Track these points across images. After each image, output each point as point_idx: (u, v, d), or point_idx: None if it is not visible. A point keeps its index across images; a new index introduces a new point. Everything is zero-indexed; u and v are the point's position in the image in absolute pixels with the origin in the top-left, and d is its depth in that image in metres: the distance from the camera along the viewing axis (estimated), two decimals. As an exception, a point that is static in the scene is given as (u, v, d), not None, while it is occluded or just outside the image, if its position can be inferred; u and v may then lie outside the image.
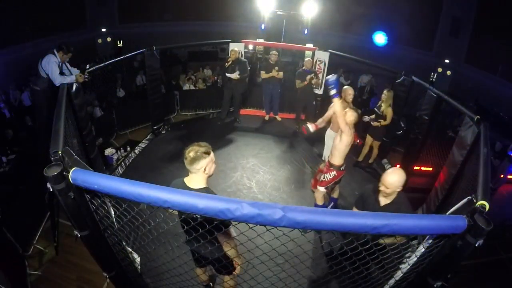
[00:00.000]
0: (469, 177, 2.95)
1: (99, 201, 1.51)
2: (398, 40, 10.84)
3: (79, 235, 1.54)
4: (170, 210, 1.83)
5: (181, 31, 11.57)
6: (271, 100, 6.46)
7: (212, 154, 1.96)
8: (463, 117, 3.62)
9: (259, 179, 4.71)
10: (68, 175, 1.25)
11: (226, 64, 5.83)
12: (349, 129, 3.18)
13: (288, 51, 8.81)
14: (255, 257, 1.60)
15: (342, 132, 3.19)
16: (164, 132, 6.09)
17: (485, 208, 1.40)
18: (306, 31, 7.73)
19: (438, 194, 3.86)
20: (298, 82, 5.84)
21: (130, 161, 5.17)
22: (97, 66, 4.67)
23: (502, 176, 5.98)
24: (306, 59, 6.07)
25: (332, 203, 3.96)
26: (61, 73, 3.88)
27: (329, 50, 6.23)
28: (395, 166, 5.41)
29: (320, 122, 4.01)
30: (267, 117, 6.72)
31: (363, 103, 8.26)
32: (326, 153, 4.38)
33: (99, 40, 11.34)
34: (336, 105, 3.12)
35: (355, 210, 2.65)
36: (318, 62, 6.32)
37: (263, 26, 8.05)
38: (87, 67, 4.33)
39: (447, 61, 10.68)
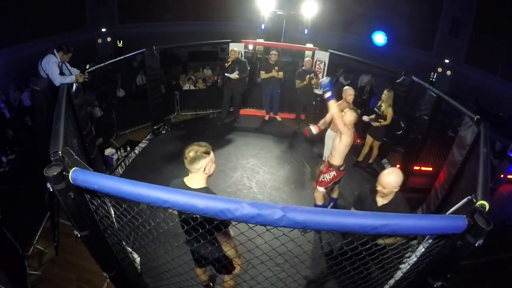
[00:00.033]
0: (469, 177, 2.95)
1: (99, 201, 1.51)
2: (398, 40, 10.84)
3: (79, 235, 1.54)
4: (170, 210, 1.83)
5: (181, 31, 11.58)
6: (271, 100, 6.46)
7: (212, 154, 1.96)
8: (463, 117, 3.62)
9: (259, 179, 4.71)
10: (68, 175, 1.25)
11: (226, 64, 5.83)
12: (348, 130, 3.17)
13: (288, 51, 8.81)
14: (255, 257, 1.60)
15: (342, 133, 3.18)
16: (164, 132, 6.09)
17: (485, 208, 1.40)
18: (306, 31, 7.73)
19: (438, 194, 3.86)
20: (298, 82, 5.84)
21: (130, 161, 5.17)
22: (97, 66, 4.67)
23: (502, 176, 5.99)
24: (306, 59, 6.07)
25: (332, 203, 3.96)
26: (61, 73, 3.88)
27: (329, 50, 6.23)
28: (395, 166, 5.41)
29: (322, 123, 4.00)
30: (267, 117, 6.72)
31: (363, 103, 8.26)
32: (326, 153, 4.38)
33: (99, 40, 11.35)
34: (332, 107, 3.08)
35: (353, 210, 2.65)
36: (318, 62, 6.32)
37: (263, 26, 8.06)
38: (87, 67, 4.33)
39: (447, 61, 10.69)
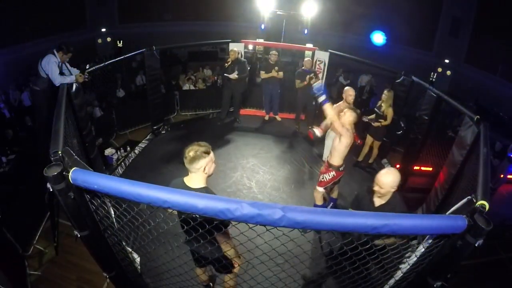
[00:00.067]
0: (469, 177, 2.95)
1: (99, 201, 1.51)
2: (398, 40, 10.84)
3: (79, 235, 1.54)
4: (170, 210, 1.83)
5: (180, 31, 11.58)
6: (271, 100, 6.46)
7: (211, 153, 1.97)
8: (463, 117, 3.62)
9: (259, 179, 4.71)
10: (68, 175, 1.25)
11: (226, 64, 5.84)
12: (347, 131, 3.16)
13: (288, 51, 8.81)
14: (255, 257, 1.60)
15: (341, 135, 3.18)
16: (164, 132, 6.09)
17: (485, 208, 1.39)
18: (306, 31, 7.73)
19: (438, 194, 3.86)
20: (298, 82, 5.84)
21: (130, 161, 5.17)
22: (97, 66, 4.67)
23: (502, 176, 5.99)
24: (306, 59, 6.06)
25: (332, 203, 3.96)
26: (61, 73, 3.88)
27: (329, 50, 6.23)
28: (395, 166, 5.41)
29: (324, 125, 4.00)
30: (267, 117, 6.72)
31: (363, 103, 8.26)
32: (326, 153, 4.37)
33: (99, 40, 11.36)
34: (328, 110, 3.06)
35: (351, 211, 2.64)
36: (318, 62, 6.32)
37: (263, 26, 8.06)
38: (87, 67, 4.33)
39: (447, 61, 10.69)
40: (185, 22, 12.22)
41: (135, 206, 1.44)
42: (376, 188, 2.35)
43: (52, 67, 3.79)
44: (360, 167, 5.28)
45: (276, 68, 6.05)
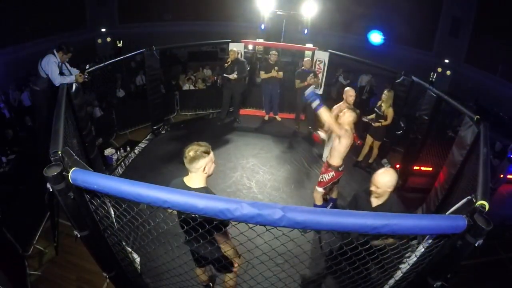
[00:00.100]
0: (468, 177, 2.95)
1: (99, 201, 1.51)
2: (398, 40, 10.85)
3: (79, 235, 1.54)
4: (170, 210, 1.83)
5: (180, 31, 11.59)
6: (271, 100, 6.46)
7: (211, 153, 1.97)
8: (463, 117, 3.62)
9: (259, 179, 4.71)
10: (68, 175, 1.25)
11: (226, 64, 5.84)
12: (346, 132, 3.15)
13: (288, 51, 8.81)
14: (255, 257, 1.60)
15: (340, 137, 3.17)
16: (164, 132, 6.09)
17: (485, 208, 1.39)
18: (305, 31, 7.73)
19: (438, 194, 3.86)
20: (298, 82, 5.84)
21: (130, 161, 5.17)
22: (97, 66, 4.67)
23: (502, 176, 5.99)
24: (306, 59, 6.07)
25: (331, 203, 3.96)
26: (61, 73, 3.88)
27: (329, 50, 6.23)
28: (395, 166, 5.41)
29: (327, 126, 3.99)
30: (266, 117, 6.72)
31: (363, 103, 8.26)
32: (326, 153, 4.37)
33: (99, 40, 11.36)
34: (324, 115, 3.03)
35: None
36: (318, 62, 6.32)
37: (262, 26, 8.06)
38: (87, 67, 4.33)
39: (447, 61, 10.69)
40: (185, 22, 12.23)
41: (135, 206, 1.44)
42: (373, 188, 2.34)
43: (52, 67, 3.79)
44: (360, 167, 5.28)
45: (276, 68, 6.05)
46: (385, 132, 5.07)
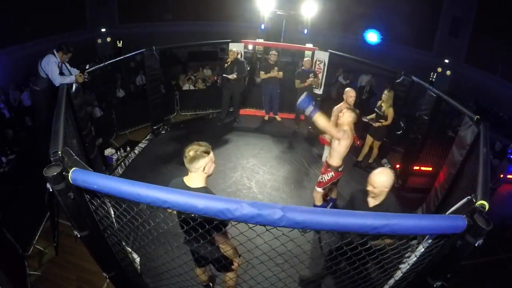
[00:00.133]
0: (468, 177, 2.95)
1: (98, 201, 1.51)
2: (398, 40, 10.85)
3: (79, 235, 1.54)
4: (170, 210, 1.83)
5: (180, 31, 11.59)
6: (271, 100, 6.46)
7: (211, 153, 1.97)
8: (462, 117, 3.62)
9: (258, 179, 4.71)
10: (68, 175, 1.25)
11: (226, 65, 5.84)
12: (344, 133, 3.14)
13: (288, 51, 8.82)
14: (255, 257, 1.60)
15: (340, 139, 3.17)
16: (164, 132, 6.09)
17: (485, 208, 1.39)
18: (305, 31, 7.73)
19: (438, 194, 3.86)
20: (298, 82, 5.84)
21: (130, 161, 5.17)
22: (97, 66, 4.67)
23: (502, 176, 5.99)
24: (305, 59, 6.07)
25: (331, 203, 3.96)
26: (61, 73, 3.88)
27: (329, 50, 6.23)
28: (395, 166, 5.41)
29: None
30: (266, 117, 6.72)
31: (363, 103, 8.26)
32: (325, 154, 4.37)
33: (99, 40, 11.36)
34: (319, 120, 2.98)
35: None
36: (318, 62, 6.32)
37: (262, 26, 8.07)
38: (87, 67, 4.33)
39: (447, 61, 10.69)
40: (185, 22, 12.22)
41: (135, 206, 1.44)
42: (369, 188, 2.33)
43: (52, 67, 3.79)
44: (360, 167, 5.28)
45: (276, 68, 6.05)
46: (385, 132, 5.07)
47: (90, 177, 1.23)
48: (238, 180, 4.66)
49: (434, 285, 1.48)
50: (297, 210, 1.10)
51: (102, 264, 1.83)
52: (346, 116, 3.24)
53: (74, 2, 10.19)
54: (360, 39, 10.86)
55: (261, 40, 7.33)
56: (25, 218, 3.63)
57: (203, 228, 1.46)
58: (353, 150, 4.16)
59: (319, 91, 6.46)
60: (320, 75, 6.26)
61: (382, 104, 4.89)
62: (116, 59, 5.51)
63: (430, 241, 1.45)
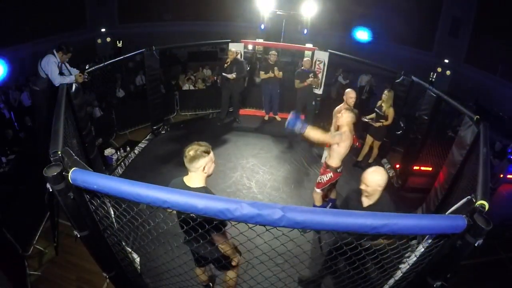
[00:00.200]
0: (468, 177, 2.95)
1: (98, 201, 1.51)
2: (398, 40, 10.85)
3: (78, 236, 1.54)
4: (170, 210, 1.83)
5: (180, 31, 11.59)
6: (271, 100, 6.46)
7: (211, 153, 1.97)
8: (462, 117, 3.62)
9: (258, 179, 4.71)
10: (68, 175, 1.25)
11: (225, 65, 5.84)
12: (340, 137, 3.13)
13: (288, 51, 8.81)
14: (255, 257, 1.60)
15: (340, 142, 3.17)
16: (164, 132, 6.09)
17: (485, 208, 1.40)
18: (305, 31, 7.74)
19: (438, 194, 3.86)
20: (297, 82, 5.84)
21: (130, 161, 5.17)
22: (97, 66, 4.67)
23: (502, 176, 5.99)
24: (305, 59, 6.06)
25: (331, 203, 3.96)
26: (61, 73, 3.88)
27: (329, 50, 6.23)
28: (395, 166, 5.42)
29: (333, 131, 3.98)
30: (266, 117, 6.71)
31: (363, 103, 8.27)
32: (325, 154, 4.36)
33: (99, 40, 11.36)
34: (312, 134, 3.01)
35: None
36: (317, 62, 6.32)
37: (262, 26, 8.07)
38: (87, 67, 4.33)
39: (446, 61, 10.69)
40: (185, 22, 12.23)
41: (134, 206, 1.44)
42: (362, 186, 2.32)
43: (52, 67, 3.79)
44: (360, 167, 5.27)
45: (276, 68, 6.05)
46: (385, 132, 5.07)
47: (90, 177, 1.23)
48: (238, 180, 4.66)
49: (434, 285, 1.48)
50: (297, 210, 1.10)
51: (102, 264, 1.83)
52: (344, 116, 3.23)
53: (74, 2, 10.19)
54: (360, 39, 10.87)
55: (261, 40, 7.33)
56: (25, 218, 3.63)
57: (203, 228, 1.46)
58: (353, 150, 4.17)
59: (319, 91, 6.46)
60: (320, 75, 6.26)
61: (383, 104, 4.88)
62: (116, 59, 5.51)
63: (430, 241, 1.45)
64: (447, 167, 3.79)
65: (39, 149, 4.33)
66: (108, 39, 11.51)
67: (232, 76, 5.72)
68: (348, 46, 9.59)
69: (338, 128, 3.43)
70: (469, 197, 1.63)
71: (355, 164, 5.27)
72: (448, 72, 10.77)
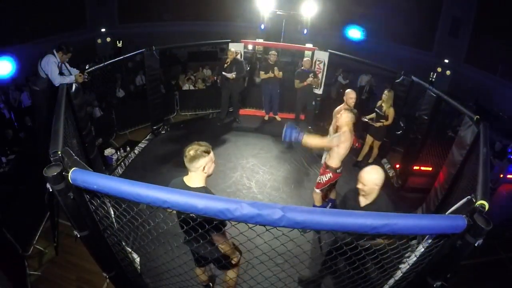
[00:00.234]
0: (468, 177, 2.95)
1: (98, 201, 1.51)
2: (398, 40, 10.85)
3: (78, 236, 1.54)
4: (170, 210, 1.83)
5: (180, 31, 11.59)
6: (271, 100, 6.45)
7: (211, 153, 1.97)
8: (462, 117, 3.62)
9: (258, 179, 4.71)
10: (68, 175, 1.25)
11: (225, 65, 5.84)
12: (338, 138, 3.13)
13: (288, 51, 8.81)
14: (255, 257, 1.60)
15: (340, 143, 3.16)
16: (164, 132, 6.09)
17: (485, 208, 1.40)
18: (305, 31, 7.73)
19: (438, 194, 3.86)
20: (297, 82, 5.84)
21: (130, 161, 5.17)
22: (97, 66, 4.67)
23: (502, 176, 5.99)
24: (305, 59, 6.06)
25: (330, 203, 3.96)
26: (61, 73, 3.87)
27: (329, 50, 6.23)
28: (395, 166, 5.42)
29: (332, 131, 3.98)
30: (266, 117, 6.71)
31: (362, 103, 8.26)
32: (325, 154, 4.36)
33: (99, 40, 11.35)
34: (310, 142, 3.04)
35: None
36: (317, 62, 6.32)
37: (262, 26, 8.07)
38: (87, 67, 4.33)
39: (446, 61, 10.69)
40: (185, 22, 12.22)
41: (134, 206, 1.44)
42: (359, 185, 2.32)
43: (52, 67, 3.79)
44: (360, 167, 5.25)
45: (276, 68, 6.05)
46: (385, 132, 5.07)
47: (90, 177, 1.23)
48: (238, 180, 4.66)
49: (434, 285, 1.48)
50: (297, 210, 1.10)
51: (102, 264, 1.83)
52: (343, 117, 3.23)
53: (74, 2, 10.18)
54: (359, 39, 10.86)
55: (261, 40, 7.33)
56: (25, 218, 3.63)
57: (203, 228, 1.46)
58: (353, 150, 4.16)
59: (319, 91, 6.46)
60: (320, 75, 6.26)
61: (383, 104, 4.88)
62: (116, 59, 5.52)
63: (430, 241, 1.45)
64: (447, 167, 3.79)
65: (39, 149, 4.32)
66: (108, 39, 11.50)
67: (231, 75, 5.72)
68: (348, 46, 9.58)
69: (337, 129, 3.43)
70: (469, 197, 1.63)
71: (355, 164, 5.27)
72: (448, 72, 10.76)
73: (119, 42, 10.90)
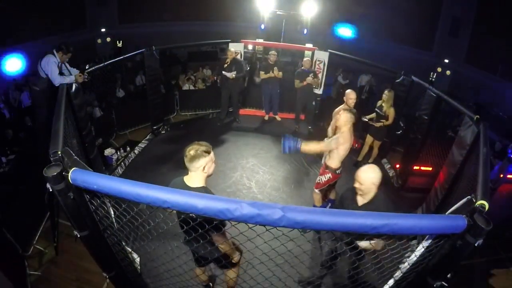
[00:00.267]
0: (468, 177, 2.95)
1: (98, 201, 1.51)
2: (398, 40, 10.85)
3: (78, 235, 1.54)
4: (170, 210, 1.83)
5: (180, 31, 11.58)
6: (271, 100, 6.46)
7: (212, 153, 1.97)
8: (462, 117, 3.62)
9: (258, 179, 4.71)
10: (68, 176, 1.25)
11: (225, 65, 5.85)
12: (337, 139, 3.13)
13: (288, 51, 8.81)
14: (255, 257, 1.60)
15: (339, 145, 3.16)
16: (164, 132, 6.09)
17: (485, 208, 1.39)
18: (305, 31, 7.73)
19: (438, 194, 3.86)
20: (297, 82, 5.84)
21: (130, 161, 5.17)
22: (97, 66, 4.67)
23: (502, 176, 5.98)
24: (305, 59, 6.06)
25: (330, 203, 3.96)
26: (61, 73, 3.87)
27: (329, 50, 6.23)
28: (395, 165, 5.41)
29: (330, 132, 3.98)
30: (266, 117, 6.71)
31: (362, 103, 8.25)
32: (325, 155, 4.36)
33: (99, 40, 11.35)
34: (309, 148, 3.04)
35: None
36: (317, 62, 6.32)
37: (262, 26, 8.05)
38: (87, 67, 4.33)
39: (446, 61, 10.68)
40: (185, 22, 12.22)
41: (134, 206, 1.44)
42: (356, 185, 2.32)
43: (52, 67, 3.79)
44: (360, 167, 5.27)
45: (276, 68, 6.05)
46: (386, 132, 5.07)
47: (90, 177, 1.23)
48: (238, 180, 4.66)
49: (434, 285, 1.48)
50: (297, 210, 1.10)
51: (102, 264, 1.83)
52: (343, 117, 3.22)
53: (74, 2, 10.19)
54: (359, 39, 10.85)
55: (261, 40, 7.32)
56: (25, 218, 3.63)
57: (203, 228, 1.46)
58: (353, 150, 4.16)
59: (319, 91, 6.46)
60: (320, 75, 6.26)
61: (383, 104, 4.88)
62: (116, 59, 5.52)
63: (430, 241, 1.45)
64: (447, 167, 3.79)
65: (39, 149, 4.32)
66: (108, 39, 11.50)
67: (231, 75, 5.72)
68: (348, 46, 9.57)
69: (336, 129, 3.43)
70: (469, 197, 1.62)
71: (355, 164, 5.26)
72: (448, 72, 10.76)
73: (119, 42, 10.90)
